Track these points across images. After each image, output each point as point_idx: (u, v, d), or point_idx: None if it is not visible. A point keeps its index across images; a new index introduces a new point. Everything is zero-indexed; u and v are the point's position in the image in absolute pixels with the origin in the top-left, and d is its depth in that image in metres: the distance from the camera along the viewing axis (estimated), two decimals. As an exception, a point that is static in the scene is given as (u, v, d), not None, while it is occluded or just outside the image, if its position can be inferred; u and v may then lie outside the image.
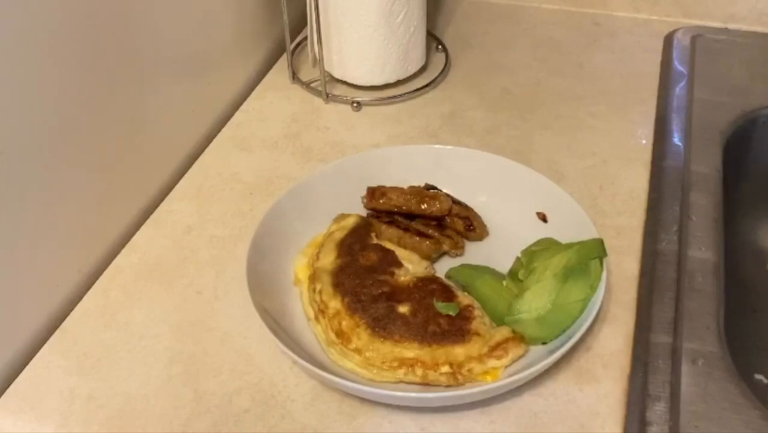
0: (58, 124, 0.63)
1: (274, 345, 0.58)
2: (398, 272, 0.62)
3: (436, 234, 0.67)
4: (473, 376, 0.57)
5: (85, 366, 0.61)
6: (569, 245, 0.62)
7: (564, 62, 0.93)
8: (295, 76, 0.92)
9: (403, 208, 0.69)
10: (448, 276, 0.65)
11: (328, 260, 0.64)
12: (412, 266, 0.64)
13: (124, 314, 0.65)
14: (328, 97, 0.88)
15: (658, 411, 0.55)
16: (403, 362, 0.57)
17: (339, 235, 0.66)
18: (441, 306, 0.59)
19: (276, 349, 0.59)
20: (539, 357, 0.57)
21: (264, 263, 0.63)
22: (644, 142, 0.80)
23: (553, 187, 0.68)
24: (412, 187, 0.70)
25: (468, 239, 0.69)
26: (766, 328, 0.80)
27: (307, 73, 0.92)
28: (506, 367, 0.57)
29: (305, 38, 0.92)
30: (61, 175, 0.64)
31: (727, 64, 0.90)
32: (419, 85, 0.89)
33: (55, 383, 0.60)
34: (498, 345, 0.57)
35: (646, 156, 0.78)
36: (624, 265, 0.66)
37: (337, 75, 0.89)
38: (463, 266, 0.66)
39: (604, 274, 0.60)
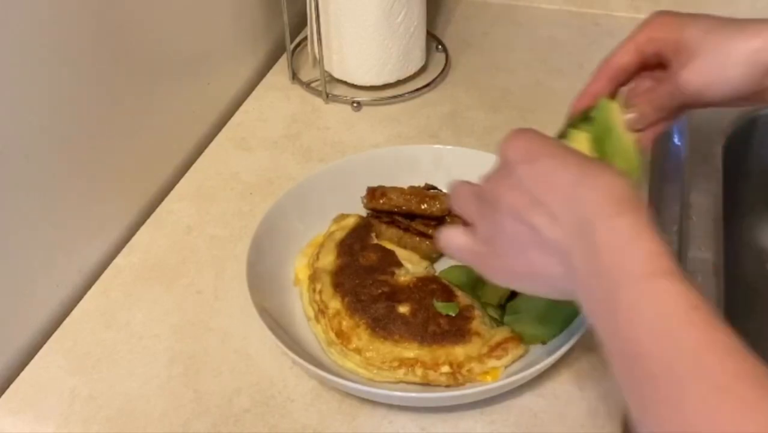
0: (57, 123, 0.63)
1: (274, 345, 0.58)
2: (398, 272, 0.62)
3: (437, 234, 0.67)
4: (473, 376, 0.57)
5: (85, 366, 0.61)
6: None
7: (564, 62, 0.93)
8: (295, 76, 0.92)
9: (403, 208, 0.69)
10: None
11: (328, 260, 0.64)
12: (412, 266, 0.64)
13: (124, 314, 0.65)
14: (328, 97, 0.88)
15: (658, 411, 0.55)
16: (403, 362, 0.57)
17: (339, 235, 0.66)
18: (441, 306, 0.59)
19: (276, 349, 0.59)
20: (539, 357, 0.57)
21: (264, 263, 0.63)
22: (644, 142, 0.80)
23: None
24: (412, 187, 0.70)
25: (468, 239, 0.69)
26: (766, 328, 0.80)
27: (307, 73, 0.92)
28: (506, 367, 0.57)
29: (305, 38, 0.92)
30: (61, 175, 0.64)
31: (727, 64, 0.90)
32: (419, 85, 0.89)
33: (55, 383, 0.60)
34: (498, 345, 0.57)
35: (646, 156, 0.77)
36: (624, 265, 0.66)
37: (337, 75, 0.89)
38: (452, 267, 0.66)
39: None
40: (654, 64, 0.60)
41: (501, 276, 0.49)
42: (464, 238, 0.50)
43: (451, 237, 0.52)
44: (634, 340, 0.37)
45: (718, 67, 0.55)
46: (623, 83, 0.61)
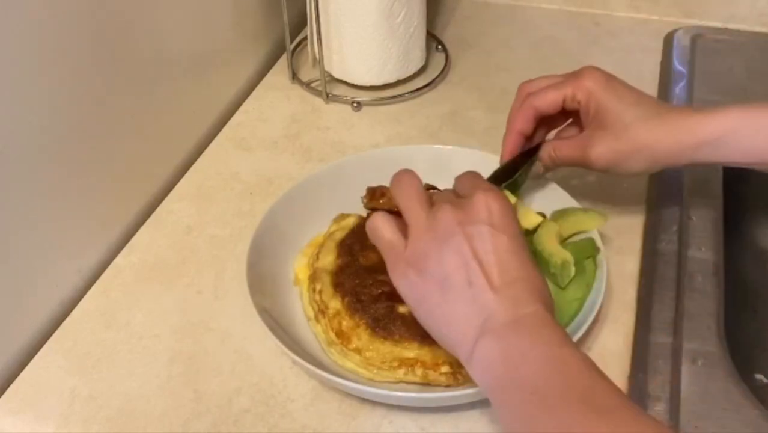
0: (57, 123, 0.63)
1: (274, 345, 0.58)
2: (398, 272, 0.62)
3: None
4: (473, 376, 0.57)
5: (85, 366, 0.61)
6: (563, 246, 0.63)
7: (564, 62, 0.92)
8: (295, 76, 0.92)
9: (403, 208, 0.69)
10: None
11: (328, 260, 0.64)
12: (412, 266, 0.64)
13: (124, 314, 0.65)
14: (328, 97, 0.88)
15: (658, 411, 0.55)
16: (403, 362, 0.57)
17: (339, 235, 0.66)
18: (441, 306, 0.59)
19: (276, 349, 0.59)
20: (539, 357, 0.57)
21: (264, 263, 0.63)
22: (644, 142, 0.80)
23: (553, 187, 0.68)
24: (412, 187, 0.70)
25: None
26: (766, 328, 0.80)
27: (307, 73, 0.92)
28: (506, 367, 0.57)
29: (305, 38, 0.92)
30: (61, 174, 0.64)
31: (727, 64, 0.90)
32: (419, 85, 0.89)
33: (55, 383, 0.60)
34: (498, 345, 0.57)
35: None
36: (624, 265, 0.66)
37: (337, 75, 0.89)
38: None
39: (602, 273, 0.60)
40: (575, 114, 0.66)
41: (407, 288, 0.51)
42: (395, 235, 0.52)
43: (382, 228, 0.53)
44: (533, 383, 0.44)
45: (624, 156, 0.61)
46: (543, 123, 0.67)
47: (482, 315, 0.47)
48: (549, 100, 0.65)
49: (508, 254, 0.48)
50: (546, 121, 0.67)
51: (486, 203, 0.50)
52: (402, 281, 0.51)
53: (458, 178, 0.56)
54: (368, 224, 0.54)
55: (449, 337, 0.49)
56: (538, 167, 0.67)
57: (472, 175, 0.56)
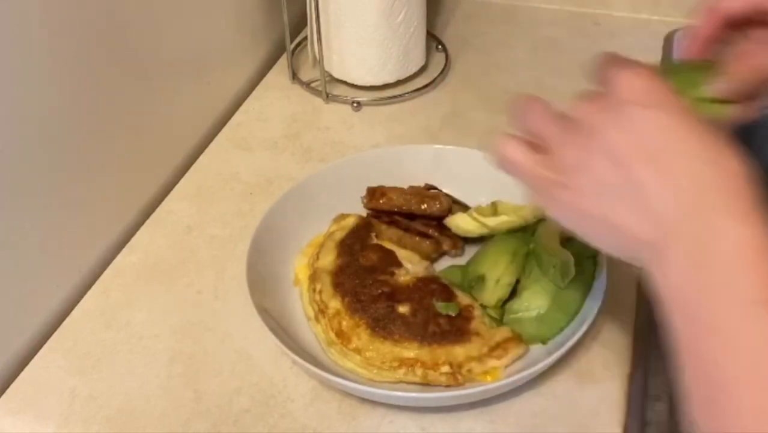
0: (58, 123, 0.63)
1: (274, 345, 0.58)
2: (398, 272, 0.62)
3: (436, 234, 0.67)
4: (473, 376, 0.57)
5: (85, 366, 0.61)
6: (564, 246, 0.63)
7: (564, 62, 0.93)
8: (295, 76, 0.92)
9: (403, 208, 0.69)
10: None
11: (328, 260, 0.64)
12: (412, 266, 0.64)
13: (124, 314, 0.65)
14: (328, 97, 0.88)
15: (658, 411, 0.55)
16: (403, 362, 0.57)
17: (339, 235, 0.66)
18: (441, 306, 0.59)
19: (276, 349, 0.59)
20: (539, 357, 0.57)
21: (264, 263, 0.63)
22: (644, 142, 0.80)
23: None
24: (412, 187, 0.70)
25: (468, 239, 0.69)
26: (766, 328, 0.79)
27: (307, 73, 0.92)
28: (506, 367, 0.57)
29: (305, 38, 0.92)
30: (61, 174, 0.64)
31: (727, 64, 0.90)
32: (419, 85, 0.89)
33: (55, 383, 0.60)
34: (498, 345, 0.58)
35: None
36: (624, 264, 0.66)
37: (337, 75, 0.89)
38: (452, 267, 0.66)
39: (602, 273, 0.60)
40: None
41: (564, 211, 0.44)
42: (527, 156, 0.45)
43: (510, 149, 0.46)
44: (714, 361, 0.35)
45: None
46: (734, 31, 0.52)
47: (653, 228, 0.38)
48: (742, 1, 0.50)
49: (677, 133, 0.38)
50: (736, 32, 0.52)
51: (627, 80, 0.41)
52: (555, 205, 0.44)
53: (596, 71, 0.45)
54: (499, 158, 0.47)
55: (610, 248, 0.43)
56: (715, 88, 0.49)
57: (610, 58, 0.44)
